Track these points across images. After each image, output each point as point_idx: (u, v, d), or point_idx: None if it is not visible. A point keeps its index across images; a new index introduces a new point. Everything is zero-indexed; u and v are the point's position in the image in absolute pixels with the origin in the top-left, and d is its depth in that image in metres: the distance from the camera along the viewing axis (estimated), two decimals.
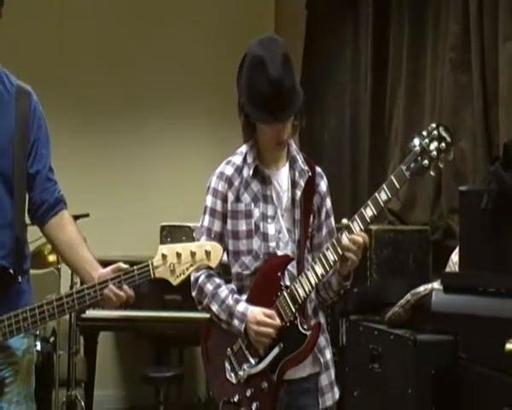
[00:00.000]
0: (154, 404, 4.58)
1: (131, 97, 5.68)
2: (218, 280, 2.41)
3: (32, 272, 2.35)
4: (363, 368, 3.41)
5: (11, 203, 2.22)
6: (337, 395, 2.48)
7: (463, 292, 2.89)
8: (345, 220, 2.28)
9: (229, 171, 2.42)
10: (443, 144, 2.22)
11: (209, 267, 2.29)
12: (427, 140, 2.23)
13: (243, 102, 2.33)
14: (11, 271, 2.18)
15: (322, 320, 2.45)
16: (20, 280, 2.22)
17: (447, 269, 3.42)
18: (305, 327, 2.31)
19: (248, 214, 2.38)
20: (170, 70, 5.72)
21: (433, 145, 2.22)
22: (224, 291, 2.38)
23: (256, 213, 2.38)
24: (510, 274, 2.82)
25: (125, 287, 2.13)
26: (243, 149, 2.46)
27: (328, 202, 2.48)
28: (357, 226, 2.25)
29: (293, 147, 2.46)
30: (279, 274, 2.34)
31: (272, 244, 2.37)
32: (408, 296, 3.24)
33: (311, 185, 2.41)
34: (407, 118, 4.42)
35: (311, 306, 2.42)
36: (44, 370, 4.11)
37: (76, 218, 3.60)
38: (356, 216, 2.26)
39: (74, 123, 5.58)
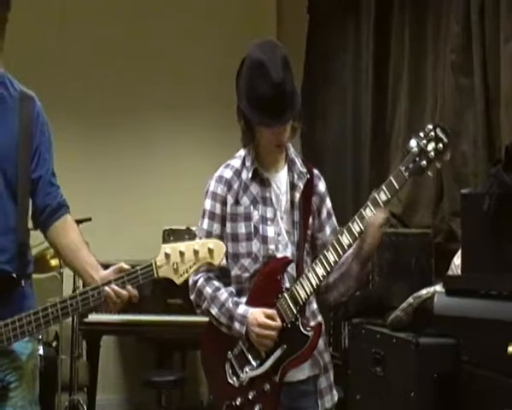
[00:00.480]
0: (157, 408, 4.58)
1: (134, 104, 5.70)
2: (216, 283, 2.40)
3: (34, 276, 2.35)
4: (365, 371, 3.40)
5: (15, 208, 2.22)
6: (336, 398, 2.48)
7: (466, 295, 2.88)
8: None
9: (228, 174, 2.43)
10: (440, 145, 2.24)
11: (209, 269, 2.30)
12: (424, 141, 2.25)
13: (243, 106, 2.33)
14: (14, 275, 2.19)
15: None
16: (23, 284, 2.23)
17: (449, 272, 3.41)
18: (307, 328, 2.31)
19: (248, 217, 2.38)
20: (172, 76, 5.73)
21: (431, 146, 2.24)
22: (223, 294, 2.38)
23: (255, 215, 2.38)
24: None
25: (129, 287, 2.13)
26: (242, 152, 2.47)
27: (328, 202, 2.49)
28: (357, 227, 2.26)
29: (292, 150, 2.47)
30: (279, 277, 2.34)
31: (271, 247, 2.37)
32: (410, 300, 3.24)
33: (309, 187, 2.42)
34: (409, 121, 4.42)
35: (310, 308, 2.41)
36: (47, 374, 4.10)
37: (78, 222, 3.57)
38: (355, 217, 2.27)
39: (77, 129, 5.61)
